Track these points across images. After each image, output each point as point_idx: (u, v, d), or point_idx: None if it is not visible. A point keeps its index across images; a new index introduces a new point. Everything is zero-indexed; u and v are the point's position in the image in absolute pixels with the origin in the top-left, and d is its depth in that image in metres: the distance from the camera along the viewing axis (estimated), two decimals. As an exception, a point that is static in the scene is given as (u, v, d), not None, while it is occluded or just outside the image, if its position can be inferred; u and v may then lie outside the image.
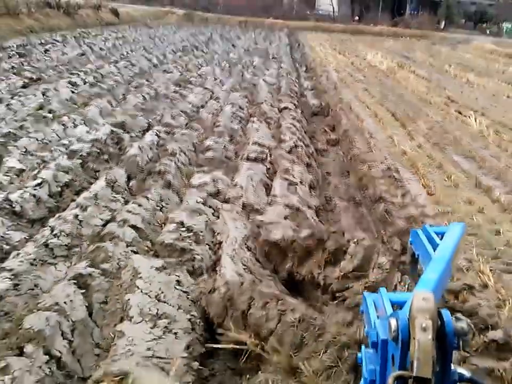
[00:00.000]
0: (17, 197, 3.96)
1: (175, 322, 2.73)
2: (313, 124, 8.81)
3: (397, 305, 1.49)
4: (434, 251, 1.90)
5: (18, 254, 3.23)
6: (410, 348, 1.14)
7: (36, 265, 3.17)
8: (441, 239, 2.01)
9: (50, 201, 4.18)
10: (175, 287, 3.01)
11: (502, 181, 5.49)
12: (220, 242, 3.62)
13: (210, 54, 16.07)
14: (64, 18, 25.80)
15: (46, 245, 3.41)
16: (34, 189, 4.17)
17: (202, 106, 8.44)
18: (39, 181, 4.32)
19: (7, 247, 3.40)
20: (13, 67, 10.70)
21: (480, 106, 9.68)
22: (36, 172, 4.59)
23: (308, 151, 6.40)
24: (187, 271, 3.22)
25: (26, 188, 4.17)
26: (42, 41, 16.37)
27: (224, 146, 6.02)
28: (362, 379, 1.51)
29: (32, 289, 2.94)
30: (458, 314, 1.27)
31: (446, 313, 1.22)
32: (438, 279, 1.58)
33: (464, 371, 1.31)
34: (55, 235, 3.53)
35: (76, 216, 3.85)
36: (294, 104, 9.09)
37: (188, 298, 2.97)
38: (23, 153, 5.27)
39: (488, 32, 45.44)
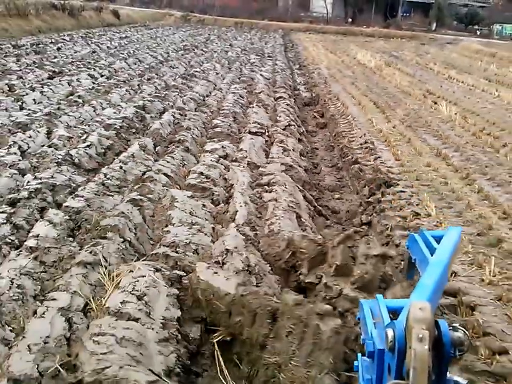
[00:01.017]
0: (75, 153, 5.14)
1: (203, 227, 3.92)
2: (304, 112, 10.03)
3: (394, 311, 1.49)
4: (431, 255, 1.90)
5: (84, 189, 4.40)
6: (407, 357, 1.14)
7: (99, 195, 4.34)
8: (438, 243, 2.01)
9: (98, 158, 5.37)
10: (201, 208, 4.20)
11: (459, 152, 6.71)
12: (232, 185, 4.81)
13: (210, 53, 17.25)
14: (69, 19, 26.93)
15: (103, 184, 4.59)
16: (85, 149, 5.35)
17: (208, 96, 9.64)
18: (88, 143, 5.51)
19: (74, 184, 4.58)
20: (34, 62, 11.86)
21: (454, 98, 10.93)
22: (83, 137, 5.78)
23: (299, 130, 7.61)
24: (209, 202, 4.41)
25: (79, 148, 5.36)
26: (53, 40, 17.46)
27: (229, 124, 7.21)
28: None
29: (100, 208, 4.11)
30: (456, 324, 1.26)
31: (442, 323, 1.21)
32: (435, 284, 1.58)
33: (460, 379, 1.30)
34: (108, 178, 4.72)
35: (121, 167, 5.04)
36: (288, 95, 10.30)
37: (210, 215, 4.17)
38: (66, 126, 6.45)
39: (478, 33, 46.71)
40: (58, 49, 15.34)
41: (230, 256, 3.28)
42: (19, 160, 5.08)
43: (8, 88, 8.65)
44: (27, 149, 5.47)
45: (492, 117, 9.01)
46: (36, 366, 2.33)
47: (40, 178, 4.47)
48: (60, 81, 9.65)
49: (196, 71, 12.28)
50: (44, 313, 2.68)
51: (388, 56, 20.83)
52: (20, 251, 3.34)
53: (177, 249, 3.50)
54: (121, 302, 2.72)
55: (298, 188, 4.84)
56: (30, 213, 3.91)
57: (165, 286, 2.98)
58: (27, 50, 14.14)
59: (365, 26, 40.65)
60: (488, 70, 16.81)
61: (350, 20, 47.29)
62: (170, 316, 2.78)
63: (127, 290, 2.84)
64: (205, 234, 3.83)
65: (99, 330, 2.49)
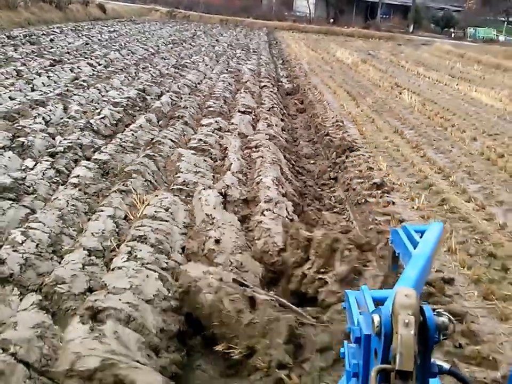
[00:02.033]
0: (93, 122, 6.18)
1: (206, 174, 5.04)
2: (286, 100, 11.18)
3: (379, 302, 1.53)
4: (414, 249, 1.96)
5: (106, 148, 5.46)
6: (393, 342, 1.18)
7: (118, 152, 5.41)
8: (421, 237, 2.08)
9: (112, 127, 6.42)
10: (203, 162, 5.31)
11: (414, 130, 7.97)
12: (226, 148, 5.92)
13: (197, 47, 18.28)
14: (57, 12, 27.52)
15: (120, 145, 5.65)
16: (101, 120, 6.40)
17: (199, 83, 10.71)
18: (102, 115, 6.56)
19: (96, 145, 5.63)
20: (32, 51, 12.72)
21: (418, 90, 12.24)
22: (97, 111, 6.82)
23: (281, 112, 8.76)
24: (208, 158, 5.52)
25: (95, 119, 6.40)
26: (44, 32, 18.21)
27: (221, 106, 8.32)
28: (345, 373, 1.56)
29: (121, 161, 5.18)
30: (440, 310, 1.31)
31: (427, 308, 1.25)
32: (418, 275, 1.64)
33: (443, 364, 1.34)
34: (123, 141, 5.78)
35: (132, 134, 6.10)
36: (272, 84, 11.43)
37: (210, 167, 5.28)
38: (79, 104, 7.46)
39: (453, 36, 48.60)
40: (51, 40, 16.11)
41: (229, 189, 4.41)
42: (45, 128, 6.10)
43: (16, 73, 9.56)
44: (49, 120, 6.48)
45: (447, 104, 10.34)
46: (100, 244, 3.41)
47: (69, 140, 5.52)
48: (62, 68, 10.58)
49: (187, 62, 13.33)
50: (97, 219, 3.77)
51: (364, 54, 22.16)
52: (66, 186, 4.40)
53: (188, 186, 4.60)
54: (154, 212, 3.82)
55: (280, 150, 5.99)
56: (67, 162, 4.96)
57: (182, 204, 4.09)
58: (22, 41, 14.92)
59: (345, 27, 41.99)
60: (454, 68, 18.27)
61: (331, 20, 48.64)
62: (187, 222, 3.90)
63: (156, 205, 3.94)
64: (207, 178, 4.94)
65: (140, 224, 3.59)
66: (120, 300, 2.68)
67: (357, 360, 1.41)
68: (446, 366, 1.35)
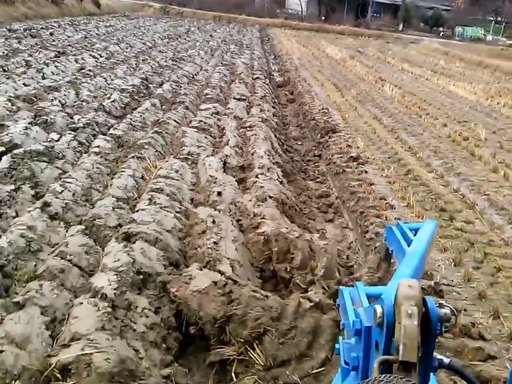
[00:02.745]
0: (105, 104, 6.96)
1: (207, 148, 5.84)
2: (277, 91, 12.00)
3: (373, 298, 1.55)
4: (408, 246, 1.97)
5: (118, 125, 6.24)
6: (396, 333, 1.18)
7: (129, 130, 6.19)
8: (414, 235, 2.09)
9: (121, 110, 7.20)
10: (204, 138, 6.12)
11: (392, 117, 8.85)
12: (223, 128, 6.74)
13: (192, 42, 19.03)
14: (53, 7, 28.06)
15: (130, 124, 6.43)
16: (111, 103, 7.17)
17: (196, 74, 11.49)
18: (112, 99, 7.33)
19: (109, 124, 6.40)
20: (36, 44, 13.40)
21: (400, 83, 13.13)
22: (107, 96, 7.58)
23: (273, 100, 9.57)
24: (208, 135, 6.33)
25: (106, 102, 7.17)
26: (43, 26, 18.81)
27: (217, 94, 9.12)
28: (340, 368, 1.57)
29: (132, 137, 5.97)
30: (442, 301, 1.31)
31: (430, 300, 1.25)
32: (412, 273, 1.65)
33: (443, 357, 1.34)
34: (133, 121, 6.56)
35: (140, 115, 6.89)
36: (264, 77, 12.24)
37: (210, 142, 6.09)
38: (89, 90, 8.21)
39: (441, 34, 49.61)
40: (51, 34, 16.75)
41: (228, 158, 5.22)
42: (62, 109, 6.86)
43: (25, 63, 10.27)
44: (65, 103, 7.23)
45: (425, 96, 11.24)
46: (125, 194, 4.21)
47: (87, 118, 6.29)
48: (67, 59, 11.29)
49: (184, 56, 14.10)
50: (119, 177, 4.57)
51: (353, 51, 23.05)
52: (89, 154, 5.19)
53: (192, 156, 5.41)
54: (166, 173, 4.63)
55: (271, 131, 6.82)
56: (87, 136, 5.74)
57: (189, 168, 4.91)
58: (23, 34, 15.55)
59: (337, 25, 42.86)
60: (437, 65, 19.22)
61: (323, 18, 49.47)
62: (194, 181, 4.71)
63: (167, 169, 4.75)
64: (209, 151, 5.75)
65: (156, 181, 4.40)
66: (147, 227, 3.50)
67: (356, 353, 1.40)
68: (446, 360, 1.34)
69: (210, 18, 38.02)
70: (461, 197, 5.22)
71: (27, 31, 16.69)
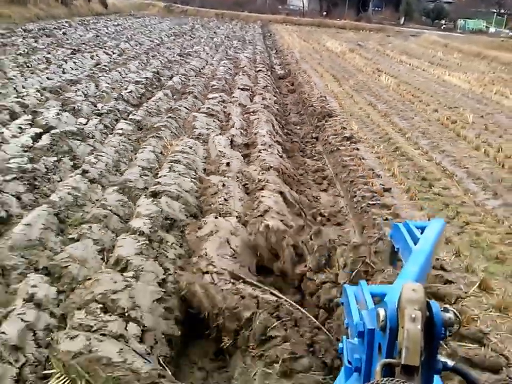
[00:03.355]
0: (124, 94, 7.72)
1: (215, 130, 6.58)
2: (279, 83, 12.71)
3: (377, 297, 1.55)
4: (415, 245, 1.96)
5: (136, 112, 6.99)
6: (399, 336, 1.16)
7: (147, 116, 6.95)
8: (421, 233, 2.09)
9: (138, 99, 7.96)
10: (212, 122, 6.87)
11: (386, 104, 9.55)
12: (229, 113, 7.48)
13: (197, 39, 19.77)
14: (62, 8, 28.90)
15: (146, 110, 7.19)
16: (128, 93, 7.93)
17: (203, 68, 12.24)
18: (129, 90, 8.10)
19: (128, 111, 7.16)
20: (52, 42, 14.19)
21: (397, 74, 13.81)
22: (124, 87, 8.35)
23: (274, 91, 10.30)
24: (216, 119, 7.07)
25: (124, 93, 7.93)
26: (55, 26, 19.62)
27: (223, 84, 9.86)
28: (343, 367, 1.56)
29: (150, 121, 6.72)
30: (446, 306, 1.30)
31: (434, 304, 1.23)
32: (419, 271, 1.66)
33: (447, 360, 1.32)
34: (149, 109, 7.31)
35: (155, 104, 7.64)
36: (266, 69, 12.96)
37: (218, 126, 6.84)
38: (106, 83, 8.97)
39: (443, 27, 49.93)
40: (64, 33, 17.55)
41: (234, 137, 5.97)
42: (85, 99, 7.62)
43: (45, 60, 11.06)
44: (87, 93, 8.00)
45: (420, 85, 11.92)
46: (148, 165, 4.97)
47: (109, 106, 7.06)
48: (83, 56, 12.08)
49: (190, 51, 14.84)
50: (142, 152, 5.32)
51: (353, 45, 23.67)
52: (114, 135, 5.95)
53: (203, 136, 6.16)
54: (181, 148, 5.38)
55: (273, 116, 7.55)
56: (110, 120, 6.51)
57: (201, 145, 5.66)
58: (38, 34, 16.35)
59: (338, 19, 43.36)
60: (435, 56, 19.84)
61: (324, 13, 49.97)
62: (205, 156, 5.47)
63: (182, 145, 5.50)
64: (217, 133, 6.50)
65: (174, 155, 5.15)
66: (170, 187, 4.25)
67: (359, 354, 1.39)
68: (450, 362, 1.33)
69: (213, 16, 38.71)
70: (442, 169, 5.94)
71: (41, 30, 17.51)
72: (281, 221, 3.82)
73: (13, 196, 4.03)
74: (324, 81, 11.74)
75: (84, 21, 24.14)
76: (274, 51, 19.64)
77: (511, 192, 5.19)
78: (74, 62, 10.89)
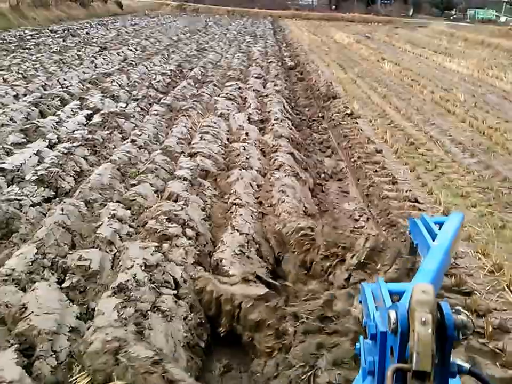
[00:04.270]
0: (154, 83, 8.87)
1: (233, 110, 7.68)
2: (289, 72, 13.75)
3: (395, 295, 1.52)
4: (433, 240, 1.92)
5: (166, 98, 8.12)
6: (410, 340, 1.15)
7: (175, 100, 8.07)
8: (439, 228, 2.05)
9: (165, 88, 9.10)
10: (231, 104, 7.97)
11: (386, 88, 10.55)
12: (245, 97, 8.58)
13: (211, 35, 20.87)
14: (81, 9, 30.22)
15: (174, 96, 8.32)
16: (157, 82, 9.08)
17: (219, 61, 13.34)
18: (157, 80, 9.24)
19: (159, 97, 8.30)
20: (79, 42, 15.41)
21: (400, 61, 14.75)
22: (152, 78, 9.50)
23: (284, 79, 11.37)
24: (234, 102, 8.17)
25: (153, 82, 9.07)
26: (77, 27, 20.86)
27: (238, 75, 10.95)
28: (360, 369, 1.54)
29: (178, 104, 7.85)
30: (459, 307, 1.26)
31: (445, 305, 1.21)
32: (437, 269, 1.63)
33: (463, 363, 1.29)
34: (176, 95, 8.44)
35: (180, 91, 8.77)
36: (277, 61, 14.02)
37: (236, 107, 7.94)
38: (136, 75, 10.13)
39: (452, 18, 50.20)
40: (87, 33, 18.76)
41: (251, 115, 7.06)
42: (120, 88, 8.78)
43: (77, 57, 12.26)
44: (121, 84, 9.16)
45: (421, 72, 12.87)
46: (182, 136, 6.09)
47: (142, 93, 8.20)
48: (110, 53, 13.27)
49: (206, 47, 15.96)
50: (175, 127, 6.44)
51: (361, 37, 24.56)
52: (150, 115, 7.08)
53: (224, 114, 7.25)
54: (208, 124, 6.48)
55: (284, 98, 8.63)
56: (145, 104, 7.66)
57: (224, 121, 6.77)
58: (64, 34, 17.60)
59: (347, 13, 44.07)
60: (440, 45, 20.65)
61: (334, 7, 50.68)
62: (227, 129, 6.58)
63: (208, 122, 6.61)
64: (236, 111, 7.60)
65: (202, 128, 6.25)
66: (203, 149, 5.36)
67: (372, 357, 1.39)
68: (466, 365, 1.29)
69: (224, 13, 39.74)
70: (429, 137, 6.96)
71: (65, 31, 18.76)
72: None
73: (81, 157, 5.20)
74: (331, 70, 12.76)
75: (103, 21, 25.36)
76: (284, 44, 20.63)
77: (486, 153, 6.20)
78: (104, 58, 12.08)
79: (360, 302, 1.72)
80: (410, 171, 5.53)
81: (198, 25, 26.21)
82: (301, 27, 29.56)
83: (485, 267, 3.31)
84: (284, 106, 7.91)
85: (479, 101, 9.44)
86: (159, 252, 3.27)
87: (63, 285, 3.01)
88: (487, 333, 2.71)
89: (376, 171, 5.24)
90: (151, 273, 3.02)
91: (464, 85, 11.20)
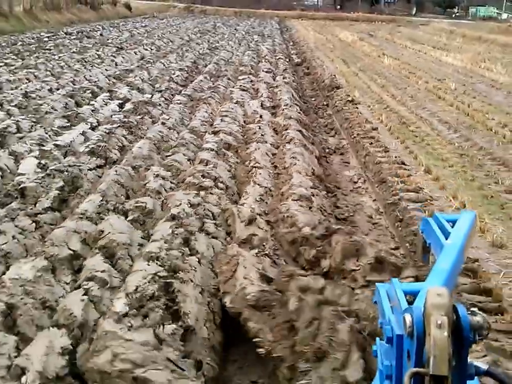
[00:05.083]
0: (173, 77, 9.85)
1: (247, 99, 8.61)
2: (296, 68, 14.69)
3: (410, 295, 1.51)
4: (446, 239, 1.91)
5: (186, 90, 9.07)
6: (426, 344, 1.14)
7: (194, 92, 9.02)
8: (452, 227, 2.03)
9: (184, 82, 10.07)
10: (245, 94, 8.91)
11: (385, 79, 11.45)
12: (257, 88, 9.52)
13: (220, 35, 21.85)
14: (92, 12, 31.29)
15: (193, 88, 9.27)
16: (176, 77, 10.05)
17: (230, 58, 14.29)
18: (176, 74, 10.21)
19: (179, 89, 9.25)
20: (96, 43, 16.42)
21: (399, 56, 15.64)
22: (172, 73, 10.47)
23: (292, 73, 12.31)
24: (248, 92, 9.11)
25: (173, 76, 10.04)
26: (90, 29, 21.86)
27: (249, 70, 11.90)
28: (377, 371, 1.53)
29: (197, 95, 8.79)
30: (474, 309, 1.27)
31: (461, 308, 1.20)
32: (451, 268, 1.61)
33: (480, 364, 1.29)
34: (194, 87, 9.39)
35: (198, 84, 9.72)
36: (284, 57, 14.96)
37: (250, 97, 8.88)
38: (156, 71, 11.10)
39: (454, 16, 50.86)
40: (101, 35, 19.73)
41: (263, 102, 7.99)
42: (143, 82, 9.74)
43: (97, 56, 13.26)
44: (143, 78, 10.12)
45: (418, 64, 13.77)
46: (205, 119, 7.03)
47: (165, 85, 9.16)
48: (127, 52, 14.26)
49: (217, 45, 16.94)
50: (198, 112, 7.39)
51: (364, 34, 25.44)
52: (174, 104, 8.03)
53: (239, 102, 8.18)
54: (226, 109, 7.42)
55: (292, 88, 9.56)
56: (168, 95, 8.62)
57: (239, 108, 7.71)
58: (78, 36, 18.57)
59: (352, 13, 44.94)
60: (439, 42, 21.49)
61: (338, 7, 51.58)
62: (243, 113, 7.52)
63: (226, 108, 7.54)
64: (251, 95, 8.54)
65: (221, 114, 7.20)
66: (225, 128, 6.30)
67: (389, 361, 1.38)
68: (484, 366, 1.30)
69: (231, 14, 40.73)
70: (419, 117, 7.87)
71: (79, 33, 19.75)
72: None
73: (121, 136, 6.16)
74: (334, 65, 13.68)
75: (114, 23, 26.34)
76: (291, 43, 21.57)
77: (468, 129, 7.10)
78: (122, 57, 13.07)
79: (375, 303, 1.74)
80: (401, 143, 6.45)
81: (207, 26, 27.21)
82: (306, 27, 30.48)
83: (453, 205, 4.21)
84: (293, 95, 8.83)
85: (468, 89, 10.32)
86: (199, 197, 4.20)
87: (128, 219, 3.95)
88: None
89: (371, 143, 6.15)
90: (195, 209, 3.95)
91: (457, 76, 12.07)
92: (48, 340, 2.56)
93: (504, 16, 49.33)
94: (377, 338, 1.59)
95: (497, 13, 49.92)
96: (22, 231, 3.75)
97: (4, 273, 3.13)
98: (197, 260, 3.32)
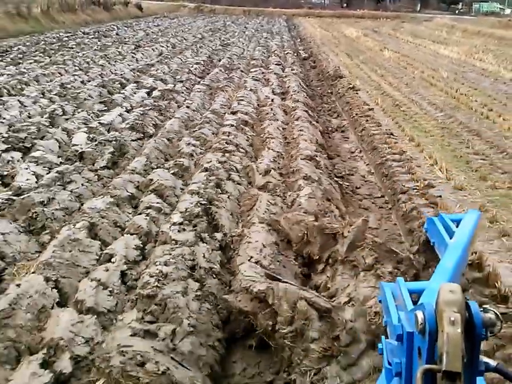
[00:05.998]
0: (192, 69, 10.94)
1: (259, 87, 9.68)
2: (303, 62, 15.72)
3: (415, 294, 1.51)
4: (450, 239, 1.92)
5: (204, 80, 10.16)
6: (439, 341, 1.14)
7: (211, 82, 10.10)
8: (457, 226, 2.04)
9: (201, 73, 11.15)
10: (258, 83, 9.97)
11: (385, 70, 12.45)
12: (268, 79, 10.58)
13: (231, 33, 22.92)
14: (105, 13, 32.43)
15: (210, 79, 10.36)
16: (194, 69, 11.15)
17: (242, 53, 15.37)
18: (194, 67, 11.30)
19: (198, 80, 10.34)
20: (114, 41, 17.54)
21: (399, 50, 16.61)
22: (190, 66, 11.57)
23: (300, 66, 13.36)
24: (260, 82, 10.18)
25: (191, 68, 11.14)
26: (106, 29, 22.96)
27: (260, 63, 12.97)
28: (383, 369, 1.53)
29: (214, 85, 9.87)
30: (486, 306, 1.28)
31: (473, 304, 1.20)
32: (455, 267, 1.61)
33: (490, 361, 1.29)
34: (211, 78, 10.47)
35: (214, 75, 10.80)
36: (293, 52, 16.00)
37: (262, 85, 9.94)
38: (175, 65, 12.20)
39: (457, 12, 51.44)
40: (117, 34, 20.81)
41: (274, 89, 9.06)
42: (164, 75, 10.83)
43: (118, 53, 14.38)
44: (164, 71, 11.22)
45: (416, 57, 14.74)
46: (224, 103, 8.11)
47: (185, 77, 10.26)
48: (145, 49, 15.38)
49: (228, 42, 18.03)
50: (217, 98, 8.47)
51: (369, 31, 26.37)
52: (194, 92, 9.12)
53: (253, 89, 9.25)
54: (241, 95, 8.49)
55: (299, 78, 10.61)
56: (189, 85, 9.71)
57: (253, 94, 8.78)
58: (96, 35, 19.66)
59: (358, 10, 45.81)
60: (440, 36, 22.39)
61: (345, 5, 52.45)
62: (256, 98, 8.59)
63: (241, 94, 8.61)
64: (262, 91, 9.59)
65: (238, 98, 8.27)
66: (241, 109, 7.38)
67: (399, 358, 1.37)
68: (493, 363, 1.30)
69: (240, 13, 41.78)
70: (411, 100, 8.90)
71: (96, 33, 20.88)
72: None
73: (153, 116, 7.25)
74: (339, 58, 14.70)
75: (127, 23, 27.42)
76: (299, 39, 22.58)
77: (452, 110, 8.12)
78: (142, 54, 14.17)
79: (380, 301, 1.75)
80: (392, 120, 7.50)
81: (217, 24, 28.29)
82: (313, 24, 31.46)
83: (428, 163, 5.24)
84: (300, 84, 9.89)
85: (458, 77, 11.29)
86: (225, 157, 5.28)
87: (169, 172, 5.04)
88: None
89: (367, 120, 7.19)
90: (222, 165, 5.04)
91: (451, 66, 13.03)
92: (125, 242, 3.65)
93: (508, 11, 49.84)
94: (383, 337, 1.61)
95: (500, 8, 50.45)
96: (88, 180, 4.86)
97: (80, 207, 4.23)
98: (227, 196, 4.41)
